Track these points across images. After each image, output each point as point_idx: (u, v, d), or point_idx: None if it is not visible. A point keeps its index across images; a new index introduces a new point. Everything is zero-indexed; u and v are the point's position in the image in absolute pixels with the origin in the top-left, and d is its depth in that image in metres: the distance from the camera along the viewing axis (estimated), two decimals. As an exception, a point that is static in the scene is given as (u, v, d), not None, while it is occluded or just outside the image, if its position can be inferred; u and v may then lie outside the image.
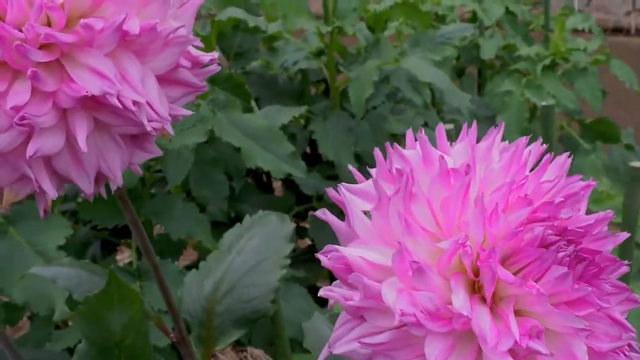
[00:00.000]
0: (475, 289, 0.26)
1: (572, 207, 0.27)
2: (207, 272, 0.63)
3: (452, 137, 0.68)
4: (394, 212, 0.26)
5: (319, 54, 1.12)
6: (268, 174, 1.25)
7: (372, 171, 0.35)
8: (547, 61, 1.25)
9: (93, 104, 0.29)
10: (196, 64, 0.33)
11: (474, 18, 1.43)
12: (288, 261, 0.62)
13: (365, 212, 0.30)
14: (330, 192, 0.30)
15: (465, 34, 1.17)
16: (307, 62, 1.11)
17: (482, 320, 0.24)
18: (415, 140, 0.31)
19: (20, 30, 0.28)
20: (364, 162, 1.11)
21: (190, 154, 0.89)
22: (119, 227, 0.99)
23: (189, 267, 1.21)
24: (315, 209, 1.24)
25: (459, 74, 1.46)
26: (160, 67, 0.31)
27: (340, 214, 1.04)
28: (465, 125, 0.32)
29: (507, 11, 1.43)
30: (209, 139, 0.94)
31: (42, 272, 0.51)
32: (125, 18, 0.28)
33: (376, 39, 1.02)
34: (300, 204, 1.23)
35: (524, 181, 0.27)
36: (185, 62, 0.32)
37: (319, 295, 0.27)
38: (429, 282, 0.24)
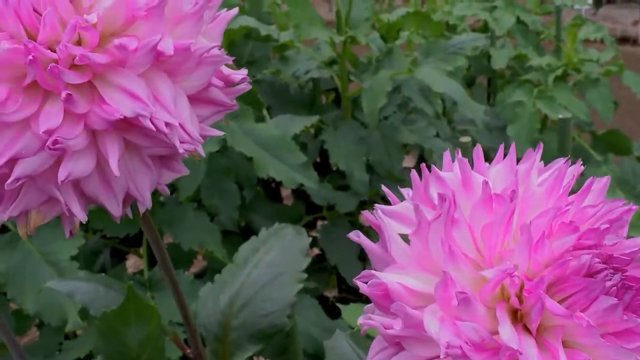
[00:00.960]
0: (517, 317, 0.26)
1: (616, 232, 0.27)
2: (223, 286, 0.63)
3: (469, 150, 0.67)
4: (435, 237, 0.26)
5: (330, 63, 1.12)
6: (277, 181, 1.25)
7: (404, 191, 0.34)
8: (558, 72, 1.24)
9: (124, 125, 0.29)
10: (227, 83, 0.33)
11: (485, 28, 1.42)
12: (305, 275, 0.61)
13: (401, 235, 0.29)
14: (366, 214, 0.29)
15: (477, 44, 1.17)
16: (319, 71, 1.11)
17: (530, 353, 0.23)
18: (453, 161, 0.30)
19: (53, 50, 0.28)
20: (375, 173, 1.11)
21: (203, 164, 0.89)
22: (129, 236, 0.98)
23: (197, 275, 1.20)
24: (325, 219, 1.23)
25: (469, 83, 1.46)
26: (192, 86, 0.31)
27: (352, 227, 1.03)
28: (502, 147, 0.31)
29: (518, 21, 1.42)
30: (221, 148, 0.93)
31: (59, 287, 0.51)
32: (160, 39, 0.27)
33: (389, 49, 1.02)
34: (310, 213, 1.23)
35: (568, 207, 0.26)
36: (218, 82, 0.31)
37: (359, 323, 0.26)
38: (474, 312, 0.24)
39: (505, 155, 0.32)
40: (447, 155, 0.30)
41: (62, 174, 0.27)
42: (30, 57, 0.26)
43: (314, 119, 1.03)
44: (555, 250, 0.25)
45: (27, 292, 0.77)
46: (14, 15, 0.27)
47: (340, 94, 1.23)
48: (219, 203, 1.01)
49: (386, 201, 1.09)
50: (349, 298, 1.34)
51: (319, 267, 1.24)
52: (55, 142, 0.26)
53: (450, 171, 0.29)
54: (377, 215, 0.28)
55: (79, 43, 0.29)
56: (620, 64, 1.25)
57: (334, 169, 1.30)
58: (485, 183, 0.26)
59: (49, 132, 0.26)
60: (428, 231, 0.26)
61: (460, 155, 0.29)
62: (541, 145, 0.30)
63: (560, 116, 0.79)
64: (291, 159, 0.94)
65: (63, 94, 0.26)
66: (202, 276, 1.24)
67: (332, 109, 1.22)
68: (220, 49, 0.31)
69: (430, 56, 1.15)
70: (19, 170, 0.27)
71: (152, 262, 0.98)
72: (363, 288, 0.26)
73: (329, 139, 1.06)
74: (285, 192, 1.58)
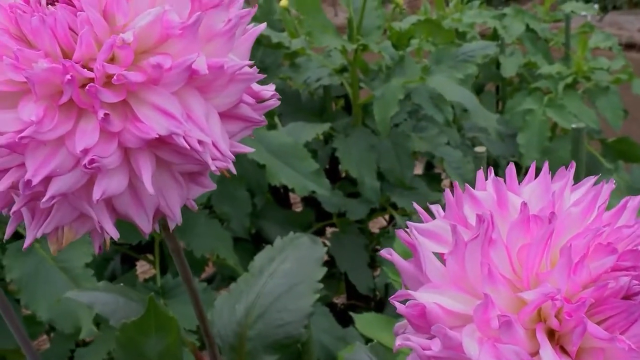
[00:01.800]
0: (555, 339, 0.26)
1: (652, 254, 0.27)
2: (239, 296, 0.63)
3: (484, 160, 0.67)
4: (472, 258, 0.26)
5: (341, 70, 1.12)
6: (286, 187, 1.25)
7: (433, 208, 0.34)
8: (568, 80, 1.24)
9: (156, 142, 0.29)
10: (257, 99, 0.33)
11: (494, 35, 1.42)
12: (321, 285, 0.61)
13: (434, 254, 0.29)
14: (401, 233, 0.29)
15: (488, 52, 1.16)
16: (330, 79, 1.11)
17: (571, 376, 0.23)
18: (486, 178, 0.30)
19: (87, 68, 0.28)
20: (386, 180, 1.11)
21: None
22: (140, 242, 0.98)
23: (207, 281, 1.20)
24: (335, 226, 1.23)
25: (477, 90, 1.45)
26: (223, 103, 0.31)
27: (362, 234, 1.02)
28: (534, 165, 0.31)
29: (528, 28, 1.42)
30: (233, 156, 0.93)
31: (79, 297, 0.51)
32: (195, 58, 0.27)
33: (400, 57, 1.02)
34: (320, 220, 1.23)
35: (606, 228, 0.26)
36: (249, 99, 0.31)
37: (396, 345, 0.26)
38: (515, 335, 0.24)
39: (534, 171, 0.32)
40: (480, 174, 0.30)
41: (96, 193, 0.27)
42: (68, 76, 0.26)
43: (326, 126, 1.03)
44: (593, 271, 0.25)
45: (41, 299, 0.77)
46: (50, 34, 0.27)
47: (350, 101, 1.23)
48: (230, 210, 1.01)
49: (396, 208, 1.09)
50: (357, 305, 1.34)
51: (328, 273, 1.23)
52: (92, 161, 0.26)
53: (484, 190, 0.29)
54: (411, 234, 0.28)
55: (112, 60, 0.29)
56: (630, 72, 1.25)
57: (343, 175, 1.30)
58: (524, 205, 0.25)
59: (85, 151, 0.26)
60: (465, 251, 0.26)
61: (493, 174, 0.29)
62: (574, 164, 0.30)
63: (574, 126, 0.79)
64: (303, 167, 0.94)
65: (101, 114, 0.26)
66: (211, 281, 1.24)
67: (343, 116, 1.22)
68: (252, 67, 0.31)
69: (441, 64, 1.15)
70: (53, 188, 0.27)
71: (163, 269, 0.99)
72: (400, 308, 0.26)
73: (340, 146, 1.06)
74: (295, 198, 1.58)
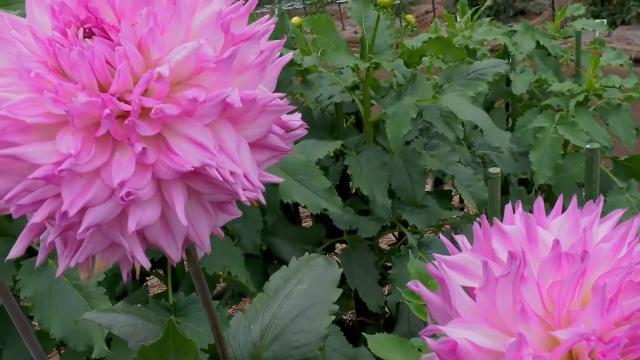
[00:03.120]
0: (586, 376, 0.26)
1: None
2: (254, 316, 0.63)
3: (499, 181, 0.67)
4: (503, 294, 0.26)
5: (353, 87, 1.12)
6: (296, 202, 1.25)
7: (458, 238, 0.34)
8: (580, 97, 1.24)
9: (189, 173, 0.29)
10: (285, 129, 0.33)
11: (504, 51, 1.43)
12: (336, 307, 0.61)
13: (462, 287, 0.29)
14: (430, 267, 0.29)
15: (499, 71, 1.17)
16: (342, 96, 1.11)
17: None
18: (513, 211, 0.30)
19: (122, 99, 0.28)
20: (397, 198, 1.11)
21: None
22: (153, 259, 0.98)
23: (216, 296, 1.20)
24: (345, 242, 1.23)
25: (487, 107, 1.46)
26: (253, 134, 0.31)
27: (372, 250, 1.02)
28: (561, 198, 0.31)
29: (538, 45, 1.43)
30: (245, 173, 0.93)
31: (97, 318, 0.51)
32: (230, 92, 0.27)
33: (413, 75, 1.02)
34: (330, 236, 1.23)
35: (638, 265, 0.26)
36: (278, 129, 0.32)
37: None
38: (548, 374, 0.24)
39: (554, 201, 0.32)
40: (508, 207, 0.30)
41: (131, 225, 0.27)
42: (107, 110, 0.26)
43: (338, 144, 1.03)
44: (626, 309, 0.25)
45: (54, 316, 0.78)
46: (88, 67, 0.27)
47: (360, 118, 1.24)
48: (242, 227, 1.01)
49: (406, 225, 1.09)
50: (367, 322, 1.34)
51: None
52: (128, 194, 0.26)
53: (512, 223, 0.29)
54: (439, 267, 0.29)
55: (146, 91, 0.29)
56: (643, 90, 1.25)
57: (353, 191, 1.30)
58: (557, 242, 0.26)
59: (122, 184, 0.27)
60: (496, 287, 0.26)
61: (520, 208, 0.29)
62: (602, 198, 0.30)
63: (588, 146, 0.79)
64: (316, 184, 0.94)
65: (138, 148, 0.26)
66: (221, 297, 1.24)
67: (354, 133, 1.23)
68: (282, 99, 0.31)
69: (452, 81, 1.15)
70: (89, 219, 0.27)
71: (174, 285, 0.99)
72: (430, 344, 0.26)
73: (351, 164, 1.06)
74: (304, 212, 1.58)
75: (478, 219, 1.19)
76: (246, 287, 1.01)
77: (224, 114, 0.30)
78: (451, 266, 0.29)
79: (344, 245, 1.33)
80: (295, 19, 1.23)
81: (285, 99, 0.31)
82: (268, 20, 0.34)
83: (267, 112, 0.31)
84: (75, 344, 0.77)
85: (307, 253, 0.68)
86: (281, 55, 0.35)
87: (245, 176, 0.30)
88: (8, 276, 0.77)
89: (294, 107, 0.32)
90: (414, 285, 0.31)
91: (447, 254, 0.99)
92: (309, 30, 0.99)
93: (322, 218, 1.21)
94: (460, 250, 0.31)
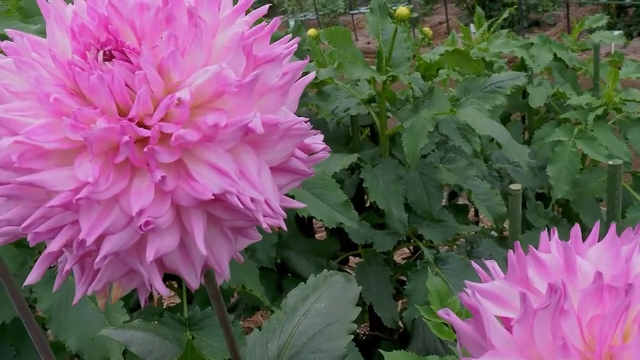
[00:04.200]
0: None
1: None
2: (271, 334, 0.62)
3: (519, 198, 0.65)
4: (541, 327, 0.25)
5: (369, 100, 1.11)
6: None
7: (489, 264, 0.33)
8: (599, 111, 1.23)
9: (209, 200, 0.28)
10: (307, 152, 0.32)
11: (522, 64, 1.41)
12: (355, 326, 0.60)
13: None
14: (463, 296, 0.28)
15: (517, 84, 1.15)
16: (358, 109, 1.10)
17: None
18: (549, 239, 0.29)
19: (142, 124, 0.27)
20: (413, 212, 1.10)
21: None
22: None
23: (229, 309, 1.19)
24: (360, 256, 1.22)
25: (503, 120, 1.44)
26: (275, 159, 0.30)
27: (387, 265, 1.00)
28: (597, 225, 0.30)
29: (556, 58, 1.41)
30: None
31: (115, 335, 0.50)
32: (252, 118, 0.27)
33: (430, 89, 1.01)
34: (344, 249, 1.22)
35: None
36: (300, 154, 0.31)
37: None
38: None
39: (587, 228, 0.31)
40: (544, 235, 0.29)
41: (149, 254, 0.27)
42: (126, 138, 0.25)
43: (354, 157, 1.02)
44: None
45: (70, 328, 0.77)
46: (107, 92, 0.27)
47: (375, 130, 1.23)
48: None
49: (421, 239, 1.07)
50: (381, 336, 1.32)
51: (352, 304, 1.22)
52: (147, 223, 0.26)
53: (549, 252, 0.28)
54: (473, 296, 0.27)
55: (166, 116, 0.28)
56: (663, 104, 1.23)
57: (367, 204, 1.29)
58: (599, 275, 0.24)
59: (141, 212, 0.26)
60: (534, 320, 0.25)
61: (556, 235, 0.28)
62: (640, 227, 0.29)
63: (610, 162, 0.77)
64: (332, 198, 0.93)
65: (158, 176, 0.26)
66: (234, 310, 1.23)
67: (369, 146, 1.22)
68: (306, 122, 0.30)
69: (468, 94, 1.14)
70: (107, 247, 0.26)
71: (188, 298, 0.98)
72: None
73: (367, 177, 1.05)
74: (317, 223, 1.57)
75: (493, 232, 1.16)
76: (261, 301, 1.00)
77: (244, 138, 0.29)
78: (484, 295, 0.28)
79: (358, 259, 1.31)
80: (312, 31, 1.23)
81: (308, 122, 0.30)
82: (290, 40, 0.33)
83: (289, 136, 0.30)
84: (91, 356, 0.77)
85: (325, 270, 0.68)
86: (304, 74, 0.34)
87: (267, 202, 0.29)
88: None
89: (317, 132, 0.31)
90: (445, 314, 0.30)
91: (463, 269, 0.97)
92: (326, 43, 0.98)
93: (336, 231, 1.20)
94: (490, 275, 0.30)
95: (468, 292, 0.28)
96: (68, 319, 0.78)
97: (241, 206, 0.27)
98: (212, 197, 0.27)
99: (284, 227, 0.31)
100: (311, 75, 0.35)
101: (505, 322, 0.27)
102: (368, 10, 1.09)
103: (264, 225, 0.29)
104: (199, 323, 0.83)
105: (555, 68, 1.40)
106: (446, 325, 0.74)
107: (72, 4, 0.32)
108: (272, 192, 0.29)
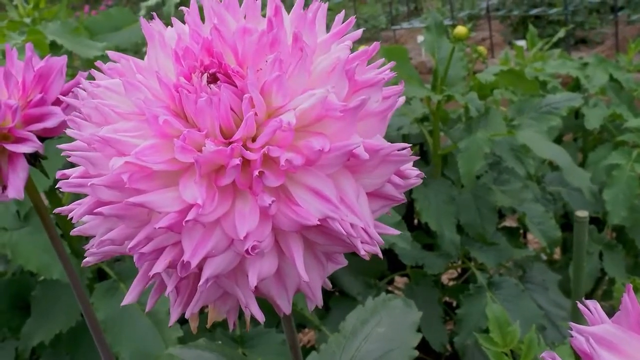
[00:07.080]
0: None
1: None
2: (331, 357, 0.61)
3: (586, 225, 0.62)
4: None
5: (422, 119, 1.11)
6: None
7: (591, 305, 0.31)
8: (658, 134, 1.19)
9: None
10: (402, 178, 0.32)
11: (576, 84, 1.38)
12: (416, 353, 0.59)
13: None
14: (574, 342, 0.27)
15: (573, 105, 1.13)
16: (410, 127, 1.10)
17: None
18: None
19: (245, 147, 0.27)
20: (465, 233, 1.08)
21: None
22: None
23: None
24: (407, 277, 1.20)
25: (556, 142, 1.41)
26: (372, 184, 0.30)
27: (435, 286, 0.98)
28: None
29: (611, 78, 1.38)
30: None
31: (181, 354, 0.50)
32: (360, 143, 0.26)
33: (486, 109, 1.00)
34: (391, 268, 1.20)
35: None
36: (398, 180, 0.30)
37: None
38: None
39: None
40: (629, 288, 0.27)
41: (252, 279, 0.26)
42: (236, 161, 0.25)
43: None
44: None
45: (125, 341, 0.78)
46: (214, 115, 0.27)
47: (426, 150, 1.22)
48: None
49: (470, 260, 1.05)
50: (425, 359, 1.30)
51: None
52: (254, 247, 0.25)
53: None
54: (587, 344, 0.26)
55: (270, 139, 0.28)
56: None
57: (415, 222, 1.28)
58: None
59: (247, 236, 0.26)
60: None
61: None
62: None
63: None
64: (385, 218, 0.92)
65: (267, 201, 0.25)
66: (278, 326, 1.22)
67: (418, 165, 1.21)
68: (404, 149, 0.30)
69: (522, 115, 1.12)
70: (210, 270, 0.26)
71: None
72: None
73: (419, 198, 1.04)
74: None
75: (542, 255, 1.13)
76: (309, 319, 0.99)
77: (344, 162, 0.29)
78: (598, 341, 0.27)
79: (404, 279, 1.30)
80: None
81: (409, 149, 0.30)
82: (382, 65, 0.33)
83: (388, 162, 0.29)
84: (143, 370, 0.77)
85: (383, 293, 0.67)
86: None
87: (365, 229, 0.28)
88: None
89: (416, 158, 0.30)
90: (548, 357, 0.29)
91: (518, 294, 0.94)
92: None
93: (383, 250, 1.19)
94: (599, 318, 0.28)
95: (576, 336, 0.27)
96: (122, 331, 0.78)
97: (343, 232, 0.27)
98: (318, 224, 0.26)
99: (380, 255, 0.30)
100: (401, 100, 0.34)
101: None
102: (410, 25, 1.09)
103: (362, 253, 0.29)
104: (251, 340, 0.83)
105: (610, 89, 1.37)
106: (506, 354, 0.72)
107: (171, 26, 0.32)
108: (370, 219, 0.29)
